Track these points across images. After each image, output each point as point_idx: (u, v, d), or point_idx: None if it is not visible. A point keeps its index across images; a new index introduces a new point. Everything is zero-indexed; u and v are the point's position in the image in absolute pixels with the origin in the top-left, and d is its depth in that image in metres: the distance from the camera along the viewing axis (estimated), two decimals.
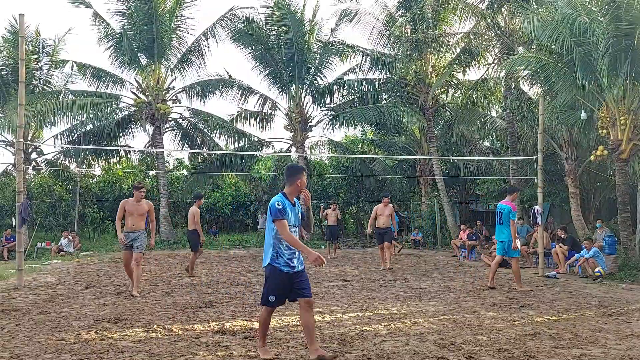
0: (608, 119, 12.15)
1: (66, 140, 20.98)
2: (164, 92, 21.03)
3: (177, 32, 21.05)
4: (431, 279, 10.04)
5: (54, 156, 22.30)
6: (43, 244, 17.44)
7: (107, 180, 25.15)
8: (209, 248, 19.65)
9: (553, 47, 12.59)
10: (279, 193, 4.60)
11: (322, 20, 21.82)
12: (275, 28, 21.20)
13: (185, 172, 27.45)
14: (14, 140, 17.77)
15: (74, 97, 20.63)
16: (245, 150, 21.93)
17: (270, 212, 4.42)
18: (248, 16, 20.84)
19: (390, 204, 12.08)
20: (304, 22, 21.05)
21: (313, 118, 22.49)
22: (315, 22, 21.39)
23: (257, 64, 21.71)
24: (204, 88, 21.99)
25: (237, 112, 23.13)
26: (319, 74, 22.05)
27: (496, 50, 18.12)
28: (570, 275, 11.08)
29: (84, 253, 16.21)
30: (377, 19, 20.78)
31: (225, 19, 20.93)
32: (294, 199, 4.61)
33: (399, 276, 10.32)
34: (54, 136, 21.42)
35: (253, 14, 20.97)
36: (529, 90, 17.45)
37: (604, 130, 12.36)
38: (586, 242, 11.11)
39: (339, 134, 64.36)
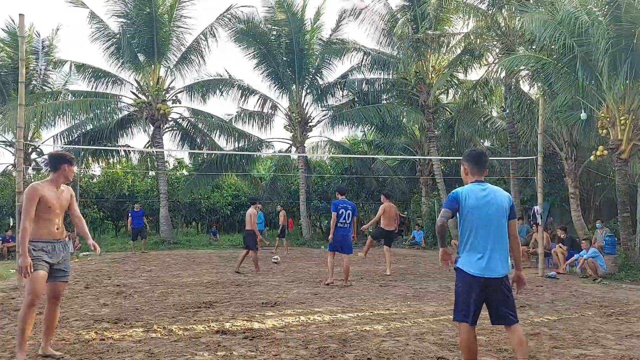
0: (608, 119, 12.15)
1: (66, 140, 20.96)
2: (163, 92, 21.02)
3: (177, 32, 21.04)
4: (431, 279, 10.03)
5: None
6: None
7: (107, 180, 25.15)
8: (209, 248, 19.67)
9: (553, 47, 12.60)
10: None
11: (323, 20, 21.68)
12: (276, 28, 21.21)
13: (185, 172, 27.45)
14: (14, 140, 17.76)
15: (73, 98, 20.63)
16: (245, 150, 21.93)
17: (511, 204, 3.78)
18: (248, 15, 20.89)
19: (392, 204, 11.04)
20: (305, 23, 21.06)
21: (313, 118, 22.54)
22: (317, 23, 21.41)
23: (258, 63, 21.72)
24: (204, 88, 21.98)
25: (237, 112, 23.17)
26: (319, 74, 22.06)
27: (497, 50, 18.13)
28: (570, 275, 11.08)
29: (84, 253, 16.18)
30: (380, 18, 20.79)
31: (225, 18, 20.93)
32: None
33: (399, 276, 10.32)
34: (53, 136, 21.44)
35: (253, 13, 21.02)
36: (529, 90, 17.47)
37: (604, 130, 12.36)
38: (583, 241, 11.11)
39: (339, 134, 64.23)
